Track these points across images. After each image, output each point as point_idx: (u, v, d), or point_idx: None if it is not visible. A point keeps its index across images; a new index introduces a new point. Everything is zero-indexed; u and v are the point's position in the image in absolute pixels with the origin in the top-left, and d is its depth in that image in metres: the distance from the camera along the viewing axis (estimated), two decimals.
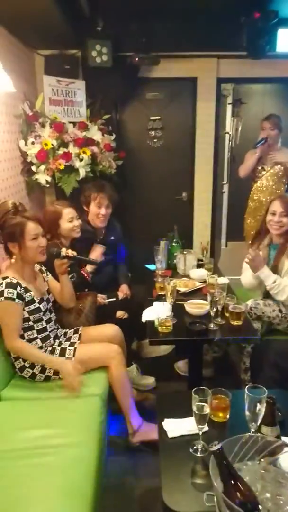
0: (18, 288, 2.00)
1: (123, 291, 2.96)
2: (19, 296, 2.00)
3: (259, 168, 3.67)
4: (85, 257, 2.53)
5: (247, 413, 1.34)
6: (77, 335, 2.32)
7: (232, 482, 0.97)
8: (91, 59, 3.35)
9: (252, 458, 1.09)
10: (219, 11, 3.32)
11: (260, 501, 0.98)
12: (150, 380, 2.79)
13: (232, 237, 5.80)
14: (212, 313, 2.21)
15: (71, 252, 2.24)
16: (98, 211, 2.87)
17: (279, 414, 1.49)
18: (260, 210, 3.67)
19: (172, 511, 1.16)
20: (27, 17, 2.70)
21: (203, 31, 3.61)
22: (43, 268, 2.31)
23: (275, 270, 2.50)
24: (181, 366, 2.97)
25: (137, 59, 3.46)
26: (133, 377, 2.73)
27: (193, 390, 1.37)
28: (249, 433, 1.12)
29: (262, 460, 1.09)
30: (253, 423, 1.33)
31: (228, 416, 1.51)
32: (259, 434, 1.24)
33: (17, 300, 1.99)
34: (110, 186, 3.01)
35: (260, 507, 0.96)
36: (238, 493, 0.96)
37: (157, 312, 2.24)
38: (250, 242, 2.74)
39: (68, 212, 2.58)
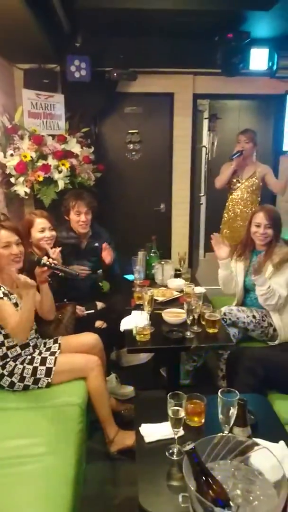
0: (2, 289, 2.04)
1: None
2: (6, 295, 2.05)
3: (234, 180, 3.78)
4: (66, 268, 2.53)
5: (220, 416, 1.39)
6: (57, 344, 2.33)
7: (205, 480, 1.02)
8: (70, 74, 3.43)
9: (224, 457, 1.14)
10: (195, 30, 3.47)
11: (231, 497, 1.03)
12: (129, 390, 2.81)
13: (210, 248, 5.89)
14: (188, 322, 2.26)
15: (52, 261, 2.27)
16: (78, 218, 2.92)
17: (252, 417, 1.55)
18: (235, 221, 3.79)
19: None
20: (7, 32, 2.76)
21: (179, 49, 3.75)
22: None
23: (257, 274, 2.59)
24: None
25: (115, 74, 3.57)
26: (112, 387, 2.75)
27: (168, 394, 1.41)
28: (221, 434, 1.17)
29: (233, 459, 1.14)
30: (226, 425, 1.38)
31: (203, 421, 1.56)
32: (230, 434, 1.29)
33: (5, 298, 2.03)
34: (88, 193, 3.06)
35: (231, 503, 1.01)
36: (210, 490, 1.01)
37: (135, 321, 2.28)
38: (237, 253, 2.83)
39: (40, 222, 2.59)
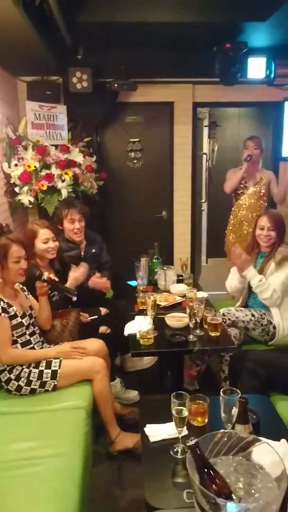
0: (1, 303, 2.08)
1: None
2: (4, 310, 2.08)
3: (241, 185, 3.81)
4: (63, 286, 2.55)
5: (222, 414, 1.43)
6: None
7: (207, 473, 1.06)
8: (72, 85, 3.51)
9: (226, 453, 1.18)
10: (194, 41, 3.55)
11: (233, 490, 1.07)
12: (133, 394, 2.85)
13: (213, 254, 5.95)
14: (191, 325, 2.31)
15: (53, 277, 2.33)
16: (72, 226, 2.97)
17: (254, 416, 1.58)
18: (241, 226, 3.82)
19: (154, 509, 1.24)
20: (11, 46, 2.84)
21: (179, 59, 3.84)
22: (24, 288, 2.39)
23: (261, 272, 2.68)
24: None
25: (116, 85, 3.65)
26: (117, 392, 2.79)
27: (172, 394, 1.46)
28: (223, 430, 1.21)
29: (235, 455, 1.18)
30: (228, 424, 1.42)
31: (206, 421, 1.60)
32: (232, 430, 1.33)
33: (3, 314, 2.06)
34: (79, 201, 3.13)
35: (233, 495, 1.05)
36: (213, 484, 1.05)
37: (139, 326, 2.32)
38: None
39: (43, 233, 2.61)
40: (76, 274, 2.74)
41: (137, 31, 3.28)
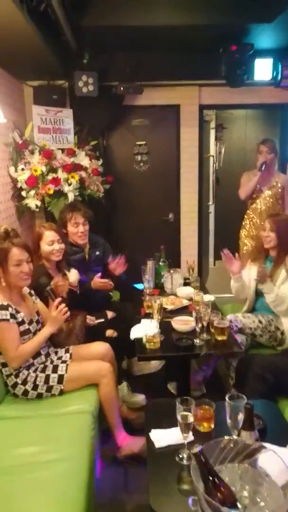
0: (10, 309, 2.08)
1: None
2: (12, 316, 2.08)
3: (256, 189, 3.74)
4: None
5: (228, 420, 1.42)
6: (68, 354, 2.38)
7: (212, 481, 1.05)
8: (78, 89, 3.53)
9: (231, 460, 1.17)
10: (200, 43, 3.55)
11: (238, 498, 1.06)
12: (140, 398, 2.83)
13: (220, 256, 5.91)
14: (198, 329, 2.29)
15: (57, 292, 2.28)
16: (76, 229, 2.97)
17: (261, 422, 1.57)
18: (258, 230, 3.73)
19: None
20: (17, 51, 2.86)
21: (184, 62, 3.84)
22: (32, 292, 2.39)
23: (271, 279, 2.65)
24: (171, 388, 3.02)
25: (121, 88, 3.65)
26: (124, 395, 2.78)
27: (177, 400, 1.44)
28: (228, 437, 1.20)
29: (241, 462, 1.17)
30: (234, 430, 1.41)
31: (212, 426, 1.58)
32: (238, 437, 1.32)
33: (11, 320, 2.07)
34: (82, 204, 3.13)
35: (238, 504, 1.04)
36: (217, 492, 1.04)
37: (145, 329, 2.32)
38: (251, 259, 2.91)
39: (49, 235, 2.62)
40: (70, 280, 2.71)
41: (142, 34, 3.29)
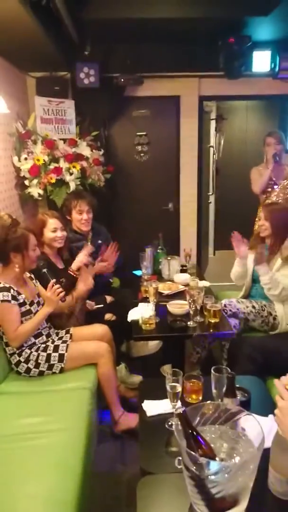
0: (12, 290, 2.21)
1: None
2: (14, 297, 2.20)
3: (271, 182, 3.76)
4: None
5: (214, 390, 1.54)
6: (69, 334, 2.50)
7: (194, 438, 1.16)
8: (79, 81, 3.61)
9: (213, 423, 1.28)
10: (199, 35, 3.61)
11: (217, 454, 1.17)
12: (137, 379, 2.96)
13: (220, 246, 6.03)
14: (191, 312, 2.41)
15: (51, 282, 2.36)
16: (80, 217, 3.08)
17: (246, 395, 1.68)
18: None
19: (148, 473, 1.35)
20: (19, 43, 2.94)
21: (184, 54, 3.90)
22: (32, 276, 2.51)
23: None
24: (166, 368, 3.14)
25: (122, 80, 3.73)
26: (122, 376, 2.91)
27: (166, 372, 1.56)
28: (210, 401, 1.31)
29: (221, 425, 1.28)
30: (219, 399, 1.53)
31: (200, 398, 1.70)
32: (219, 402, 1.43)
33: (12, 302, 2.19)
34: (87, 193, 3.23)
35: (217, 458, 1.16)
36: (198, 448, 1.16)
37: (141, 312, 2.44)
38: (249, 246, 2.96)
39: (52, 222, 2.73)
40: (79, 257, 2.84)
41: (142, 26, 3.36)
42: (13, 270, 2.26)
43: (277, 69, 3.84)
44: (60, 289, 2.32)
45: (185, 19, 3.19)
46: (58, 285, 2.32)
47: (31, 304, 2.33)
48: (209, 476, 1.05)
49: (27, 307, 2.30)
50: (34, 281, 2.50)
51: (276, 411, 1.15)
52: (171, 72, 4.07)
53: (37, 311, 2.37)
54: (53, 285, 2.30)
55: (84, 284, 2.72)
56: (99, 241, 3.23)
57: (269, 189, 3.76)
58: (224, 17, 3.19)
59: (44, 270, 2.40)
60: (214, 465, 1.07)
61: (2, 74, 3.27)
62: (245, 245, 2.90)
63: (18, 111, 3.60)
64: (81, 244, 3.14)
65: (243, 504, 1.10)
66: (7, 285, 2.21)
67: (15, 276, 2.29)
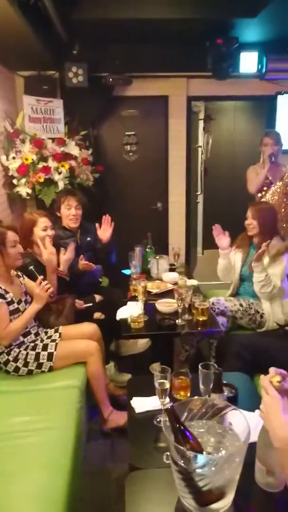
0: None
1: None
2: (1, 296, 2.20)
3: (267, 181, 3.75)
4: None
5: (201, 386, 1.57)
6: (58, 333, 2.51)
7: (181, 433, 1.18)
8: (68, 80, 3.61)
9: (200, 418, 1.30)
10: (187, 36, 3.64)
11: (204, 448, 1.20)
12: (126, 377, 2.98)
13: (208, 246, 6.06)
14: (180, 310, 2.43)
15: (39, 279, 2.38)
16: (69, 212, 3.08)
17: (233, 390, 1.71)
18: None
19: (137, 468, 1.37)
20: (7, 42, 2.94)
21: (172, 54, 3.93)
22: (19, 273, 2.51)
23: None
24: (155, 366, 3.16)
25: (111, 79, 3.74)
26: (111, 374, 2.93)
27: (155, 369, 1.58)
28: (198, 397, 1.34)
29: (209, 420, 1.30)
30: (206, 395, 1.55)
31: (188, 394, 1.72)
32: (207, 397, 1.46)
33: (0, 300, 2.18)
34: (79, 191, 3.24)
35: (204, 452, 1.18)
36: (186, 442, 1.18)
37: (130, 311, 2.45)
38: (236, 245, 3.00)
39: (43, 221, 2.73)
40: (65, 256, 2.83)
41: (131, 27, 3.38)
42: (3, 269, 2.26)
43: (264, 70, 3.90)
44: (48, 285, 2.32)
45: (174, 20, 3.22)
46: (46, 281, 2.33)
47: (19, 302, 2.33)
48: (196, 470, 1.07)
49: (15, 305, 2.30)
50: (21, 278, 2.50)
51: (261, 405, 1.17)
52: (159, 72, 4.10)
53: (25, 309, 2.37)
54: (40, 282, 2.31)
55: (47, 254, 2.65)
56: (88, 239, 3.24)
57: (265, 188, 3.75)
58: (212, 18, 3.23)
59: (31, 267, 2.40)
60: (201, 459, 1.09)
61: None
62: (226, 237, 2.94)
63: (6, 110, 3.59)
64: (71, 240, 3.14)
65: (230, 496, 1.12)
66: None
67: (1, 275, 2.28)
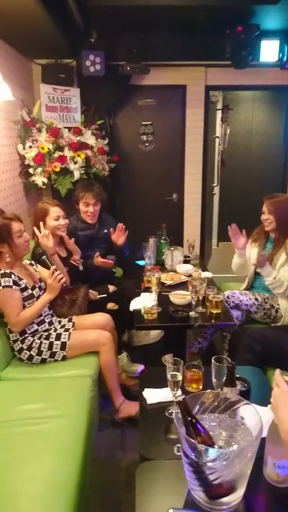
0: (13, 276, 2.22)
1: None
2: (15, 283, 2.22)
3: None
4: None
5: (214, 380, 1.56)
6: (71, 323, 2.52)
7: (193, 426, 1.18)
8: (85, 68, 3.58)
9: (212, 411, 1.30)
10: (206, 24, 3.57)
11: (215, 441, 1.19)
12: (138, 367, 2.99)
13: (224, 238, 6.01)
14: (193, 302, 2.42)
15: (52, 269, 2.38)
16: (86, 209, 3.09)
17: (246, 385, 1.70)
18: None
19: (147, 459, 1.37)
20: (25, 30, 2.92)
21: (191, 43, 3.86)
22: (32, 262, 2.53)
23: (270, 261, 2.72)
24: (167, 358, 3.16)
25: (128, 68, 3.69)
26: (123, 365, 2.93)
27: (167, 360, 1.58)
28: (210, 390, 1.33)
29: (221, 413, 1.30)
30: (219, 389, 1.54)
31: (200, 387, 1.72)
32: (219, 391, 1.45)
33: (14, 287, 2.21)
34: (98, 185, 3.21)
35: (215, 446, 1.18)
36: (197, 435, 1.17)
37: (144, 302, 2.45)
38: (252, 239, 2.97)
39: (55, 211, 2.74)
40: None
41: (148, 14, 3.31)
42: (5, 260, 2.27)
43: (285, 59, 3.79)
44: (61, 275, 2.33)
45: (192, 7, 3.14)
46: (58, 272, 2.34)
47: (33, 288, 2.35)
48: (207, 463, 1.07)
49: (29, 291, 2.32)
50: (34, 266, 2.51)
51: (271, 398, 1.16)
52: (177, 61, 4.03)
53: (40, 295, 2.38)
54: (53, 272, 2.32)
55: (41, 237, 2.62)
56: (105, 231, 3.24)
57: None
58: (232, 5, 3.14)
59: (44, 257, 2.41)
60: (212, 452, 1.09)
61: (8, 61, 3.25)
62: (243, 237, 2.88)
63: (23, 98, 3.59)
64: (88, 232, 3.15)
65: (240, 491, 1.12)
66: (8, 271, 2.22)
67: (11, 265, 2.30)
